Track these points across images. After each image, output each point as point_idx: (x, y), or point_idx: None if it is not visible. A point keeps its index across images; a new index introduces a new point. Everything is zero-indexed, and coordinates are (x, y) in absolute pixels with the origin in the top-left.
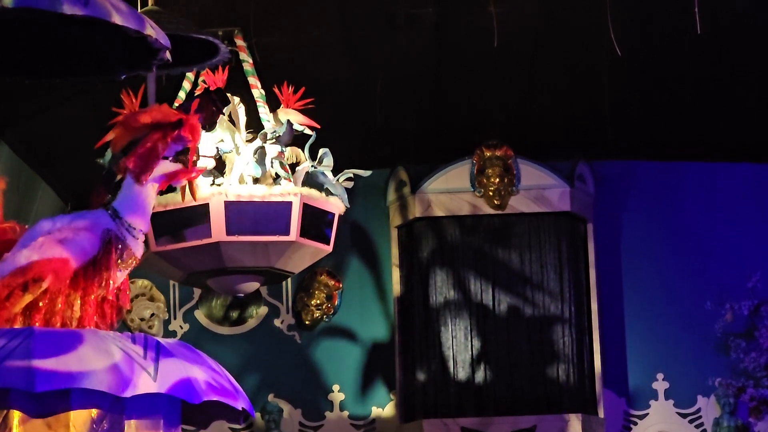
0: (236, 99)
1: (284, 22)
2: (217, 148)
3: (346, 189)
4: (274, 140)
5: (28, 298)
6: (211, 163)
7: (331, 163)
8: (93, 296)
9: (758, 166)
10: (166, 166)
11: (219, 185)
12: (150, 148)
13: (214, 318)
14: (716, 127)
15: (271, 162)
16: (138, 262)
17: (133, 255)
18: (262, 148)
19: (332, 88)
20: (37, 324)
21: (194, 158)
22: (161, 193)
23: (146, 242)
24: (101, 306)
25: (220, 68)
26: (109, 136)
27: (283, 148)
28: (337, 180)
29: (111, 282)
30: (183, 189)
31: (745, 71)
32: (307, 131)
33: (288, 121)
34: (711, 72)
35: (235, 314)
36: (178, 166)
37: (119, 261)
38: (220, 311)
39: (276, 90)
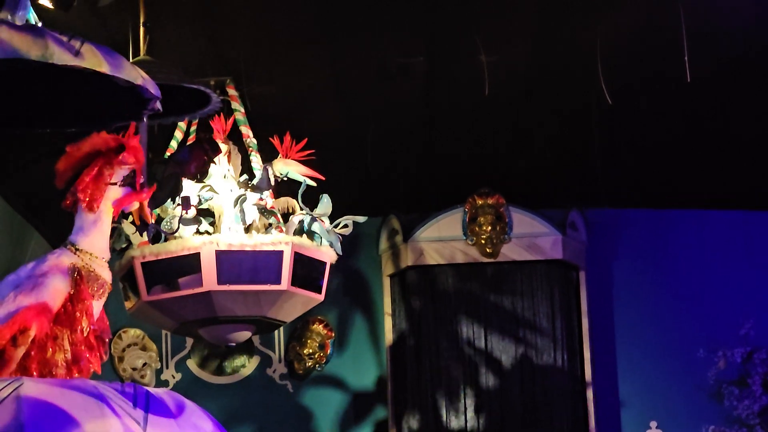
0: (235, 147)
1: (276, 72)
2: (199, 196)
3: (343, 236)
4: (251, 188)
5: (21, 351)
6: (192, 212)
7: (328, 210)
8: (79, 330)
9: (749, 213)
10: (115, 192)
11: (210, 233)
12: (96, 174)
13: (207, 367)
14: (707, 174)
15: (259, 210)
16: (110, 288)
17: (104, 282)
18: (244, 196)
19: (324, 137)
20: (34, 374)
21: (141, 180)
22: (157, 241)
23: (138, 292)
24: (88, 339)
25: (223, 117)
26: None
27: (263, 195)
28: (333, 227)
29: (90, 313)
30: (136, 212)
31: (735, 118)
32: (309, 182)
33: (264, 167)
34: (701, 120)
35: (227, 364)
36: (127, 190)
37: (93, 291)
38: (212, 361)
39: (276, 140)
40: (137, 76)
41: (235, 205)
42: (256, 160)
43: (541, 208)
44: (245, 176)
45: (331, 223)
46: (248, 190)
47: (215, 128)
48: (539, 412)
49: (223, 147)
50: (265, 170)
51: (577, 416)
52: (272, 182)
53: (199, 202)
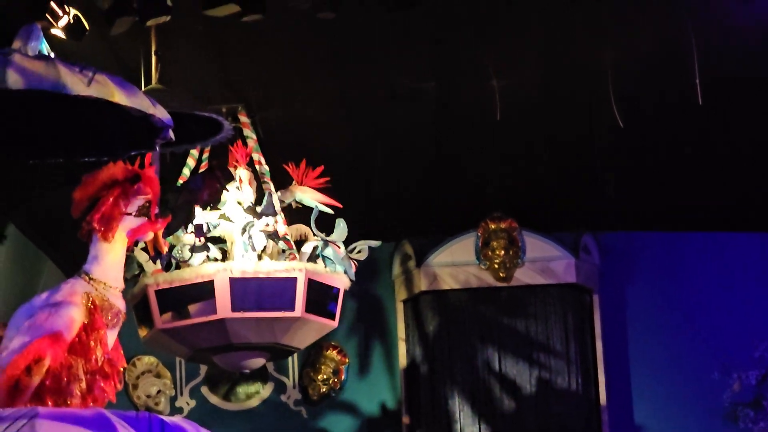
0: (251, 174)
1: (286, 98)
2: (207, 222)
3: (359, 261)
4: (257, 215)
5: (36, 380)
6: (200, 240)
7: (344, 236)
8: (93, 359)
9: (763, 235)
10: (130, 222)
11: (219, 260)
12: (111, 204)
13: (221, 394)
14: (720, 196)
15: (267, 236)
16: (125, 317)
17: (118, 311)
18: (251, 222)
19: (335, 162)
20: (49, 403)
21: (156, 210)
22: (170, 269)
23: (152, 320)
24: (102, 368)
25: (240, 143)
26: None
27: (269, 221)
28: (348, 252)
29: (104, 342)
30: (150, 242)
31: (747, 139)
32: (324, 208)
33: (268, 193)
34: (714, 141)
35: (241, 390)
36: (142, 220)
37: (107, 320)
38: (226, 387)
39: (291, 167)
40: (149, 105)
41: (243, 233)
42: (268, 187)
43: (554, 231)
44: (250, 203)
45: (345, 248)
46: (254, 216)
47: (236, 155)
48: None
49: (245, 173)
50: (269, 196)
51: None
52: (278, 208)
53: (208, 230)
